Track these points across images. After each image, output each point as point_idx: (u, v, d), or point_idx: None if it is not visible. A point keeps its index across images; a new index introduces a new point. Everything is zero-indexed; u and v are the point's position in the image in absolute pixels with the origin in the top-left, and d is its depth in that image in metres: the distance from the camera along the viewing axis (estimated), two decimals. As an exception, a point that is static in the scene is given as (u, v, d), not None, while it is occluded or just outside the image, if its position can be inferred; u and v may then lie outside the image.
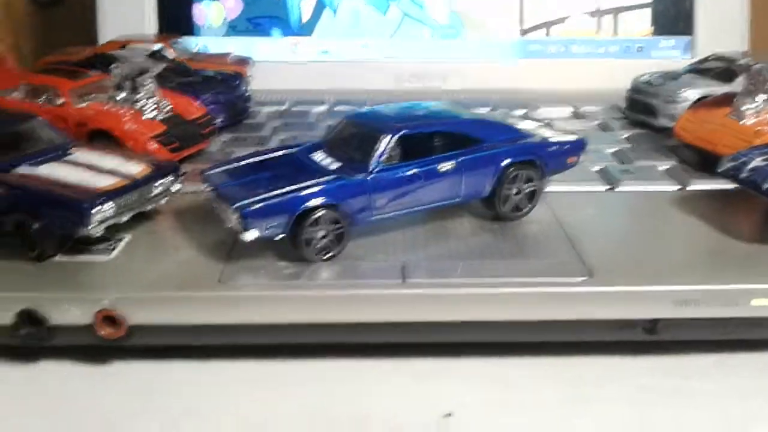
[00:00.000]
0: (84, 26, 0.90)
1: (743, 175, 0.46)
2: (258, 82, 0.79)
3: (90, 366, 0.42)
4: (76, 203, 0.41)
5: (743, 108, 0.54)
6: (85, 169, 0.45)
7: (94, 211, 0.41)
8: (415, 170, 0.44)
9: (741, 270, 0.42)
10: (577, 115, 0.75)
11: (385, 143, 0.44)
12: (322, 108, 0.78)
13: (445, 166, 0.45)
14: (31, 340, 0.40)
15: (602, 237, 0.46)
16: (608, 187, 0.55)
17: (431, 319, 0.40)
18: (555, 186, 0.52)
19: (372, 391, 0.40)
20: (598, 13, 0.88)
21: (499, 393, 0.39)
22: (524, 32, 0.88)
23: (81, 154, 0.47)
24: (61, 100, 0.57)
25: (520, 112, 0.74)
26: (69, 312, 0.40)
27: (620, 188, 0.54)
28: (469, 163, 0.45)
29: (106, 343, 0.41)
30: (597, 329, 0.41)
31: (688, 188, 0.54)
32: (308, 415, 0.38)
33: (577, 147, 0.49)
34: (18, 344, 0.41)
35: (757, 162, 0.46)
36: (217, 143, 0.65)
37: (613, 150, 0.62)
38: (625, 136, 0.67)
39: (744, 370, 0.41)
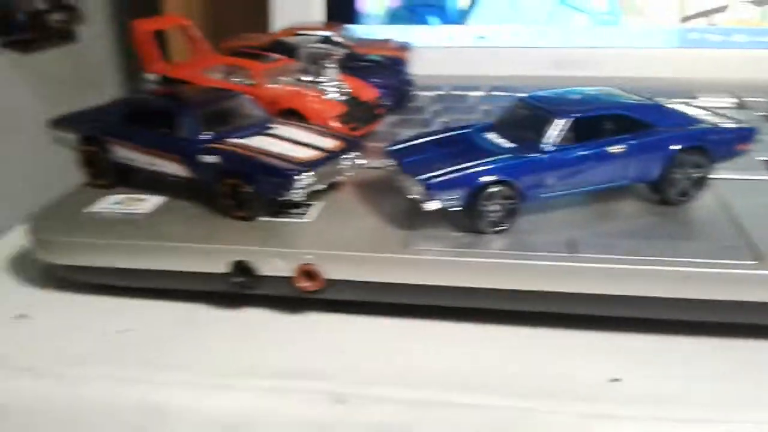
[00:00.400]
0: (253, 9, 0.98)
1: None
2: (416, 68, 0.83)
3: (286, 315, 0.48)
4: (284, 171, 0.48)
5: None
6: (286, 142, 0.51)
7: (298, 178, 0.47)
8: (586, 152, 0.47)
9: None
10: (740, 105, 0.74)
11: (559, 126, 0.47)
12: (480, 93, 0.82)
13: (616, 149, 0.47)
14: (242, 288, 0.47)
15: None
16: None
17: (597, 291, 0.43)
18: (720, 173, 0.53)
19: (537, 355, 0.44)
20: (760, 2, 0.86)
21: (657, 367, 0.42)
22: (684, 20, 0.87)
23: (281, 129, 0.54)
24: (253, 81, 0.64)
25: (679, 101, 0.74)
26: (275, 264, 0.46)
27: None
28: (639, 147, 0.47)
29: (302, 295, 0.47)
30: (764, 312, 0.42)
31: None
32: (481, 373, 0.42)
33: (747, 135, 0.50)
34: (230, 290, 0.48)
35: None
36: (385, 124, 0.71)
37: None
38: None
39: None
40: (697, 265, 0.42)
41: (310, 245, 0.47)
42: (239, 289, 0.47)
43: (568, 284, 0.44)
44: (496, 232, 0.47)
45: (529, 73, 0.87)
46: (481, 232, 0.47)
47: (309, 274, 0.46)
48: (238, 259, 0.47)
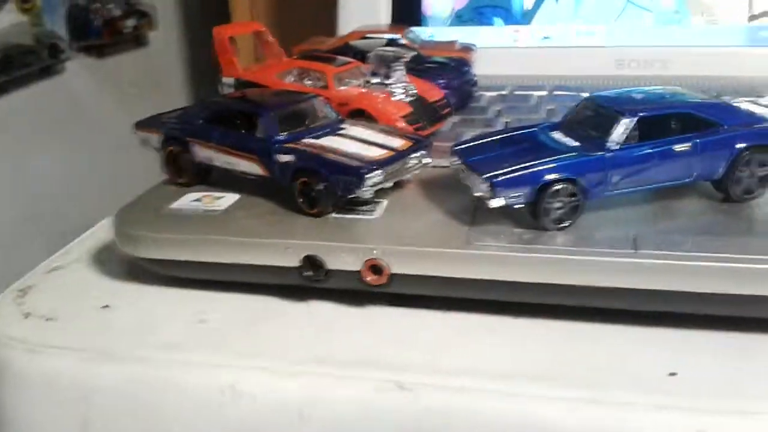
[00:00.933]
0: (317, 13, 1.01)
1: None
2: (480, 68, 0.85)
3: (353, 307, 0.50)
4: (355, 169, 0.50)
5: None
6: (357, 142, 0.54)
7: (369, 176, 0.50)
8: (650, 150, 0.47)
9: None
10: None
11: (625, 125, 0.48)
12: (543, 93, 0.82)
13: (681, 147, 0.48)
14: (313, 281, 0.49)
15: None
16: None
17: (659, 287, 0.44)
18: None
19: (600, 350, 0.45)
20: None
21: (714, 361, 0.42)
22: (752, 18, 0.86)
23: (352, 129, 0.56)
24: (324, 83, 0.67)
25: (746, 99, 0.73)
26: (343, 259, 0.49)
27: None
28: (704, 145, 0.48)
29: (369, 288, 0.49)
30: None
31: None
32: (544, 367, 0.43)
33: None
34: (301, 283, 0.50)
35: None
36: (448, 124, 0.72)
37: None
38: None
39: None
40: (762, 261, 0.43)
41: (376, 240, 0.49)
42: (310, 283, 0.50)
43: (631, 280, 0.44)
44: (560, 229, 0.48)
45: (594, 72, 0.87)
46: (545, 229, 0.48)
47: (375, 268, 0.48)
48: (308, 253, 0.49)
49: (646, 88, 0.53)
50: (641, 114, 0.48)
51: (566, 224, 0.48)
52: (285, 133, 0.54)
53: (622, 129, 0.48)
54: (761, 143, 0.48)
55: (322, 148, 0.53)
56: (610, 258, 0.45)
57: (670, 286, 0.44)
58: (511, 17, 0.93)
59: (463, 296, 0.48)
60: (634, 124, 0.48)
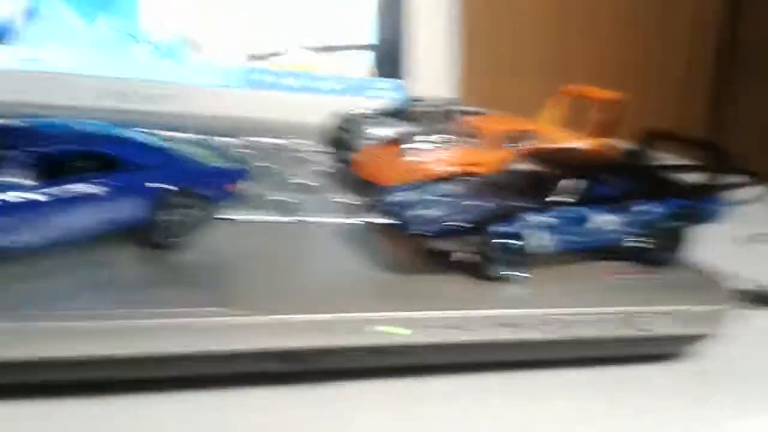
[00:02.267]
0: None
1: (387, 206, 0.49)
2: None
3: None
4: None
5: (407, 146, 0.58)
6: None
7: None
8: (50, 191, 0.41)
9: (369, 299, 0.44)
10: (276, 147, 0.76)
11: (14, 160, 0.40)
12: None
13: (89, 189, 0.42)
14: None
15: (254, 266, 0.46)
16: (282, 216, 0.55)
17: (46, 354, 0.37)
18: (230, 214, 0.52)
19: None
20: (319, 50, 0.91)
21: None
22: (248, 59, 0.89)
23: None
24: None
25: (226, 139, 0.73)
26: None
27: (294, 217, 0.55)
28: (118, 186, 0.43)
29: None
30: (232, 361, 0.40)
31: (355, 221, 0.56)
32: None
33: (235, 175, 0.49)
34: None
35: (400, 195, 0.49)
36: None
37: (299, 181, 0.64)
38: (318, 168, 0.68)
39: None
40: (163, 315, 0.39)
41: None
42: None
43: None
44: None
45: (88, 103, 0.80)
46: None
47: None
48: None
49: (66, 120, 0.46)
50: (39, 149, 0.41)
51: None
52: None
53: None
54: (181, 184, 0.46)
55: None
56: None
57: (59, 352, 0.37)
58: (-15, 34, 0.81)
59: None
60: (29, 161, 0.40)
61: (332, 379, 0.42)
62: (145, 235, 0.46)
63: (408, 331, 0.42)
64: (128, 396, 0.39)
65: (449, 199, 0.48)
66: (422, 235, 0.46)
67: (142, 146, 0.46)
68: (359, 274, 0.47)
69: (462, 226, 0.45)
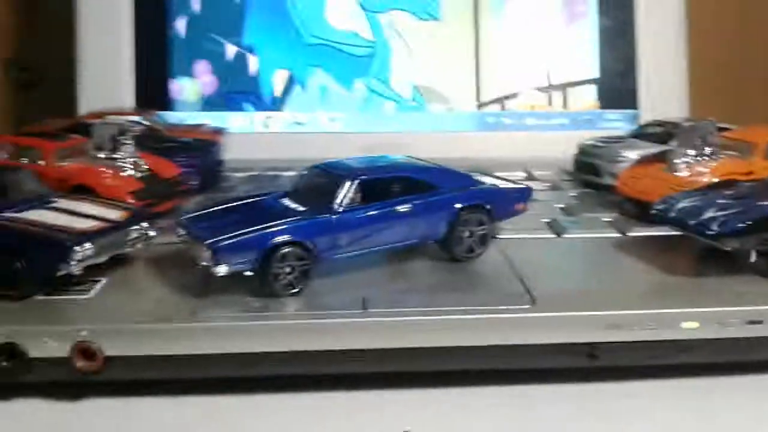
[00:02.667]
0: (62, 106, 0.94)
1: (671, 215, 0.51)
2: (233, 152, 0.83)
3: (65, 402, 0.44)
4: (58, 241, 0.44)
5: (676, 161, 0.60)
6: (67, 215, 0.48)
7: (76, 249, 0.44)
8: (374, 212, 0.48)
9: (670, 298, 0.46)
10: (529, 177, 0.80)
11: (347, 187, 0.48)
12: (292, 174, 0.82)
13: (402, 209, 0.49)
14: (12, 374, 0.42)
15: (546, 273, 0.50)
16: (555, 234, 0.59)
17: (390, 345, 0.43)
18: (506, 234, 0.57)
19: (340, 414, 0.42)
20: (549, 89, 0.95)
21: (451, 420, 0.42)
22: (481, 106, 0.95)
23: (63, 202, 0.51)
24: (43, 161, 0.61)
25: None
26: (47, 344, 0.42)
27: (566, 235, 0.59)
28: (424, 206, 0.49)
29: (82, 378, 0.43)
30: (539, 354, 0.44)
31: (628, 234, 0.58)
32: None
33: (524, 194, 0.54)
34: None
35: (683, 203, 0.51)
36: (191, 203, 0.69)
37: (561, 205, 0.67)
38: (573, 194, 0.72)
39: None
40: (479, 311, 0.44)
41: (86, 321, 0.43)
42: (9, 377, 0.43)
43: (360, 341, 0.43)
44: (291, 295, 0.46)
45: (343, 155, 0.90)
46: (276, 296, 0.46)
47: (86, 352, 0.43)
48: (4, 341, 0.42)
49: (370, 156, 0.54)
50: (362, 177, 0.49)
51: (297, 290, 0.46)
52: (-26, 208, 0.47)
53: (344, 191, 0.48)
54: (476, 203, 0.51)
55: (25, 221, 0.47)
56: (339, 320, 0.44)
57: (399, 343, 0.43)
58: (261, 103, 0.94)
59: (193, 377, 0.44)
60: (357, 187, 0.48)
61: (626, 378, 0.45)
62: (445, 249, 0.52)
63: (710, 327, 0.44)
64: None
65: (735, 201, 0.49)
66: (717, 236, 0.47)
67: (443, 171, 0.52)
68: (652, 276, 0.49)
69: (755, 225, 0.46)
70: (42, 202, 0.50)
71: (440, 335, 0.44)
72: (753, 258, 0.47)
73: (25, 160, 0.61)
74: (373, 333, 0.44)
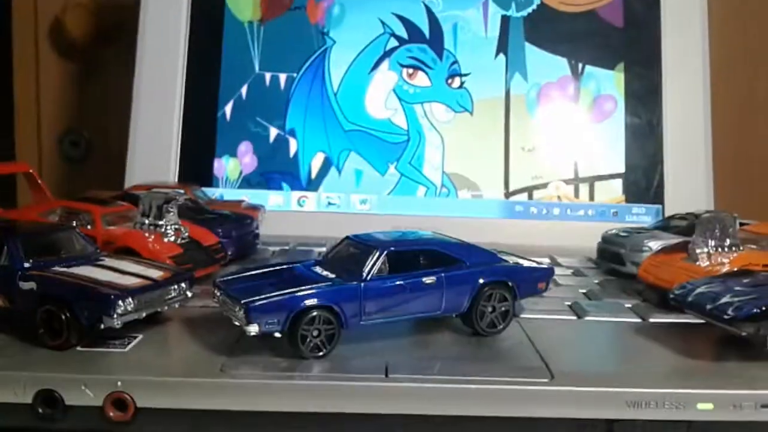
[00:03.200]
0: (111, 180, 1.00)
1: (689, 299, 0.52)
2: (268, 228, 0.87)
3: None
4: (102, 295, 0.47)
5: (696, 251, 0.62)
6: (112, 271, 0.51)
7: (118, 303, 0.47)
8: (400, 282, 0.50)
9: (687, 379, 0.47)
10: (554, 263, 0.82)
11: (376, 257, 0.50)
12: (323, 249, 0.85)
13: (427, 280, 0.51)
14: (49, 420, 0.44)
15: (566, 351, 0.52)
16: (577, 317, 0.60)
17: (411, 412, 0.45)
18: (529, 314, 0.58)
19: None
20: (576, 181, 0.98)
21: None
22: (509, 195, 0.98)
23: (109, 260, 0.54)
24: (92, 224, 0.65)
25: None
26: (83, 392, 0.45)
27: (587, 318, 0.60)
28: (448, 279, 0.51)
29: (113, 428, 0.45)
30: (558, 427, 0.45)
31: (648, 320, 0.59)
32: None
33: (546, 273, 0.56)
34: (37, 425, 0.45)
35: (701, 289, 0.52)
36: (227, 270, 0.72)
37: (584, 290, 0.69)
38: (596, 280, 0.73)
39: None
40: (499, 383, 0.45)
41: (120, 372, 0.45)
42: (46, 423, 0.45)
43: (381, 406, 0.45)
44: (317, 358, 0.48)
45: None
46: (302, 357, 0.48)
47: (119, 402, 0.45)
48: (42, 387, 0.44)
49: (399, 230, 0.57)
50: (391, 248, 0.51)
51: (323, 353, 0.48)
52: (31, 261, 0.50)
53: (373, 261, 0.50)
54: (499, 279, 0.53)
55: (72, 275, 0.50)
56: (361, 383, 0.45)
57: (419, 409, 0.45)
58: (297, 183, 0.99)
59: (217, 430, 0.46)
60: (385, 258, 0.51)
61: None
62: (467, 323, 0.53)
63: (725, 409, 0.44)
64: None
65: (752, 288, 0.50)
66: (732, 321, 0.48)
67: (469, 247, 0.55)
68: (670, 359, 0.50)
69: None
70: (90, 260, 0.53)
71: (459, 403, 0.45)
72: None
73: (76, 223, 0.65)
74: (394, 399, 0.45)
